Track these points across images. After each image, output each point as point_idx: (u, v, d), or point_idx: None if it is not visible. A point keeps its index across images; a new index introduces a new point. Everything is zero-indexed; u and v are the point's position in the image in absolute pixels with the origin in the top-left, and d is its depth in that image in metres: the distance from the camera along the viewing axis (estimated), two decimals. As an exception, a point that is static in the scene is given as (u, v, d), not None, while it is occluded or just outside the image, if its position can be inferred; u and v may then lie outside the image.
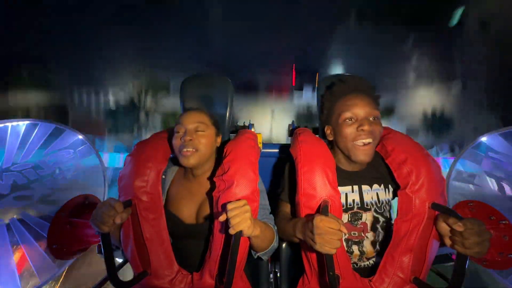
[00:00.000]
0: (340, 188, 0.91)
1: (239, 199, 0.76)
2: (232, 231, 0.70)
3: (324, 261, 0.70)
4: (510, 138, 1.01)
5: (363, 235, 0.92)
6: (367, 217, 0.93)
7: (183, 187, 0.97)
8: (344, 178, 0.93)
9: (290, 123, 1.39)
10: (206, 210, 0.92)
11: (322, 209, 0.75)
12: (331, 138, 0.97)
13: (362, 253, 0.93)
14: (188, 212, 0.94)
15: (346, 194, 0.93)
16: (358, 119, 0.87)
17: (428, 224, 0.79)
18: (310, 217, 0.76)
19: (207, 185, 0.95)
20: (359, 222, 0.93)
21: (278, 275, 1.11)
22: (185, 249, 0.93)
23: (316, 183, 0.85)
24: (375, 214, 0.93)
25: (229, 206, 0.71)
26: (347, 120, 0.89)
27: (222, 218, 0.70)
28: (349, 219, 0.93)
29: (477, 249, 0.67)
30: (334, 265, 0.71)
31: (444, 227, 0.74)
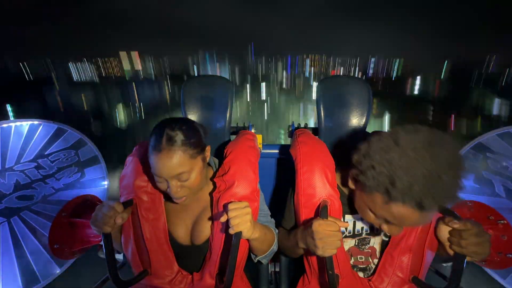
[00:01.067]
0: (347, 216, 0.87)
1: (240, 201, 0.77)
2: (231, 231, 0.71)
3: (324, 261, 0.71)
4: (507, 138, 1.02)
5: (370, 260, 0.88)
6: (375, 241, 0.87)
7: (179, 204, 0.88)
8: (351, 204, 0.85)
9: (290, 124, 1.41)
10: (202, 228, 0.88)
11: (321, 210, 0.76)
12: (352, 187, 0.75)
13: (367, 276, 0.89)
14: (182, 231, 0.90)
15: (354, 221, 0.87)
16: (391, 223, 0.67)
17: (427, 224, 0.80)
18: (308, 223, 0.76)
19: (204, 200, 0.91)
20: (367, 246, 0.88)
21: (278, 275, 1.12)
22: (182, 265, 0.89)
23: (316, 183, 0.85)
24: (384, 238, 0.87)
25: (230, 206, 0.72)
26: (377, 216, 0.68)
27: (223, 218, 0.71)
28: (356, 243, 0.88)
29: (475, 249, 0.68)
30: (334, 265, 0.71)
31: (444, 233, 0.73)
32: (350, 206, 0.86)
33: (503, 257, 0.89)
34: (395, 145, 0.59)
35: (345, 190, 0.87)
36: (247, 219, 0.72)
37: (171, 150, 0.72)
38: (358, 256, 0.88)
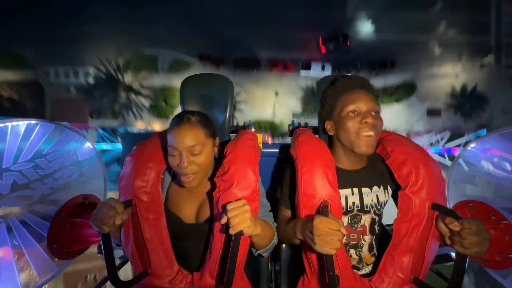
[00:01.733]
0: (340, 191, 0.90)
1: (239, 199, 0.76)
2: (232, 231, 0.70)
3: (324, 261, 0.71)
4: (509, 138, 1.01)
5: (361, 237, 0.92)
6: (366, 219, 0.93)
7: (183, 188, 0.96)
8: (344, 180, 0.93)
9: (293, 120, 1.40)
10: (206, 210, 0.91)
11: (322, 210, 0.75)
12: (332, 133, 0.97)
13: (360, 258, 0.92)
14: (188, 211, 0.93)
15: (346, 196, 0.92)
16: (361, 113, 0.88)
17: (428, 224, 0.79)
18: (310, 217, 0.76)
19: (207, 185, 0.95)
20: (359, 225, 0.92)
21: (278, 275, 1.11)
22: (185, 249, 0.92)
23: (316, 183, 0.85)
24: (373, 215, 0.93)
25: (229, 206, 0.71)
26: (350, 113, 0.89)
27: (223, 220, 0.71)
28: (349, 221, 0.92)
29: (476, 249, 0.67)
30: (334, 265, 0.71)
31: (444, 227, 0.74)
32: (343, 181, 0.92)
33: (504, 257, 0.89)
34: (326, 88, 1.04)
35: (339, 164, 0.96)
36: (246, 217, 0.71)
37: (189, 124, 0.84)
38: (351, 235, 0.93)
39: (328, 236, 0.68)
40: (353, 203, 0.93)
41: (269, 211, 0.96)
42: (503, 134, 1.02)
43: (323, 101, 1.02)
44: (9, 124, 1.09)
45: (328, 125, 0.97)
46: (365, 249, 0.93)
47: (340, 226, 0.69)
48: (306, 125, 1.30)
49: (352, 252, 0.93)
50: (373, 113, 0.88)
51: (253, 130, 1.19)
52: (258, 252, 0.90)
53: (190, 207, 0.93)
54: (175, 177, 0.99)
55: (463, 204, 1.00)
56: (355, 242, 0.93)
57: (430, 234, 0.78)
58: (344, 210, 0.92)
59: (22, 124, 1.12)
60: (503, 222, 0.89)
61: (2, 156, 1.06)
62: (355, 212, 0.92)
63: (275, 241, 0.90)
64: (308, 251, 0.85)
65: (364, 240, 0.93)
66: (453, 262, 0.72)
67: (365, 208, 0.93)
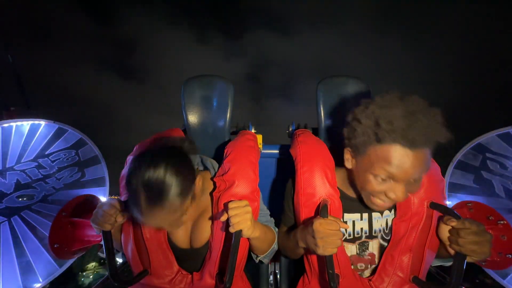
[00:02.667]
0: (347, 215, 0.87)
1: (240, 199, 0.77)
2: (231, 230, 0.71)
3: (324, 260, 0.71)
4: (507, 139, 1.02)
5: (369, 267, 0.87)
6: (373, 246, 0.86)
7: None
8: (352, 205, 0.86)
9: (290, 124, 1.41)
10: (202, 230, 0.87)
11: (321, 209, 0.76)
12: (348, 166, 0.78)
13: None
14: (181, 236, 0.89)
15: (354, 222, 0.85)
16: (394, 181, 0.67)
17: (427, 224, 0.79)
18: (308, 223, 0.76)
19: (201, 205, 0.90)
20: (366, 252, 0.86)
21: (278, 275, 1.11)
22: (182, 266, 0.89)
23: (316, 182, 0.85)
24: (381, 241, 0.85)
25: (231, 205, 0.72)
26: (379, 177, 0.68)
27: (223, 217, 0.71)
28: (357, 250, 0.86)
29: (473, 248, 0.67)
30: (334, 264, 0.71)
31: (444, 233, 0.73)
32: (350, 206, 0.86)
33: (503, 257, 0.89)
34: (372, 101, 0.69)
35: (345, 190, 0.88)
36: (247, 218, 0.71)
37: (153, 211, 0.63)
38: (359, 264, 0.87)
39: (329, 237, 0.69)
40: (361, 229, 0.86)
41: (270, 216, 0.96)
42: (500, 135, 1.03)
43: (352, 127, 0.72)
44: (13, 124, 1.10)
45: (347, 155, 0.77)
46: (368, 271, 0.88)
47: (339, 225, 0.70)
48: (305, 126, 1.31)
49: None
50: (412, 180, 0.67)
51: (253, 130, 1.19)
52: (259, 258, 0.90)
53: (184, 229, 0.89)
54: None
55: (462, 205, 1.00)
56: (360, 272, 0.87)
57: (429, 233, 0.79)
58: (351, 238, 0.86)
59: (26, 124, 1.13)
60: (502, 222, 0.90)
61: (6, 155, 1.08)
62: (363, 239, 0.86)
63: (275, 246, 0.89)
64: (308, 251, 0.85)
65: (369, 268, 0.87)
66: (452, 262, 0.72)
67: (373, 234, 0.86)
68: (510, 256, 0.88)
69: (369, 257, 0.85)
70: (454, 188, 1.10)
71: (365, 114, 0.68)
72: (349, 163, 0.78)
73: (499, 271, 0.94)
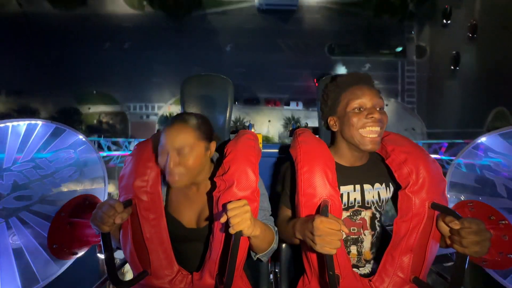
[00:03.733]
0: (342, 188, 0.91)
1: (239, 199, 0.76)
2: (232, 231, 0.70)
3: (325, 261, 0.70)
4: (509, 138, 1.02)
5: (362, 231, 0.92)
6: (366, 214, 0.93)
7: (183, 193, 0.95)
8: (346, 176, 0.93)
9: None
10: (207, 213, 0.91)
11: (322, 210, 0.75)
12: (335, 129, 0.96)
13: (359, 253, 0.92)
14: (188, 216, 0.93)
15: (348, 193, 0.93)
16: (367, 108, 0.87)
17: (428, 224, 0.79)
18: (309, 217, 0.76)
19: (207, 188, 0.94)
20: (358, 217, 0.93)
21: (278, 275, 1.11)
22: (185, 251, 0.92)
23: (316, 183, 0.85)
24: (374, 211, 0.93)
25: (229, 206, 0.71)
26: (356, 108, 0.88)
27: (223, 219, 0.70)
28: (349, 215, 0.93)
29: (475, 248, 0.67)
30: (334, 265, 0.71)
31: (444, 227, 0.74)
32: (344, 178, 0.92)
33: (504, 257, 0.89)
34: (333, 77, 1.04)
35: (338, 160, 0.96)
36: (247, 217, 0.71)
37: (181, 125, 0.83)
38: (351, 228, 0.92)
39: (328, 236, 0.68)
40: (355, 199, 0.93)
41: (270, 215, 0.96)
42: (502, 134, 1.02)
43: (325, 96, 0.99)
44: (9, 124, 1.09)
45: (331, 121, 0.96)
46: (366, 245, 0.93)
47: (340, 226, 0.69)
48: (306, 126, 1.30)
49: (353, 248, 0.92)
50: (378, 108, 0.88)
51: (253, 130, 1.19)
52: (257, 256, 0.90)
53: (190, 211, 0.93)
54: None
55: (463, 204, 1.00)
56: (356, 237, 0.93)
57: (431, 234, 0.78)
58: (345, 206, 0.92)
59: (23, 124, 1.12)
60: (503, 222, 0.89)
61: (3, 156, 1.07)
62: (356, 207, 0.93)
63: (274, 245, 0.89)
64: (308, 251, 0.85)
65: (365, 235, 0.92)
66: (453, 262, 0.72)
67: (366, 204, 0.93)
68: (511, 256, 0.88)
69: (360, 222, 0.93)
70: (455, 187, 1.10)
71: (330, 83, 0.99)
72: (334, 126, 0.96)
73: (500, 271, 0.93)
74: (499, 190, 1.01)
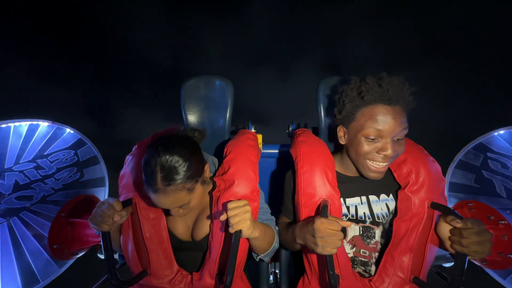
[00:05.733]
0: (348, 200, 0.89)
1: (239, 199, 0.76)
2: (231, 230, 0.70)
3: (325, 261, 0.71)
4: (508, 138, 1.02)
5: (372, 255, 0.87)
6: (377, 233, 0.87)
7: None
8: (350, 187, 0.89)
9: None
10: (203, 225, 0.89)
11: (322, 210, 0.75)
12: (343, 142, 0.88)
13: (367, 273, 0.88)
14: (183, 228, 0.91)
15: (356, 206, 0.88)
16: (382, 139, 0.77)
17: (428, 224, 0.79)
18: (308, 220, 0.76)
19: (205, 199, 0.91)
20: (373, 241, 0.86)
21: (278, 275, 1.11)
22: (183, 259, 0.91)
23: (316, 182, 0.85)
24: (383, 228, 0.87)
25: (230, 205, 0.71)
26: (370, 137, 0.78)
27: (222, 217, 0.71)
28: (360, 233, 0.87)
29: (476, 248, 0.67)
30: (334, 265, 0.71)
31: (444, 231, 0.73)
32: (349, 190, 0.89)
33: (503, 257, 0.89)
34: (353, 78, 0.84)
35: (343, 172, 0.92)
36: (247, 217, 0.71)
37: (167, 190, 0.69)
38: (362, 250, 0.87)
39: (329, 237, 0.68)
40: (364, 213, 0.88)
41: (270, 214, 0.96)
42: (501, 134, 1.02)
43: (341, 101, 0.85)
44: (11, 124, 1.10)
45: (340, 132, 0.88)
46: (373, 266, 0.88)
47: (340, 226, 0.70)
48: (306, 126, 1.31)
49: (360, 269, 0.89)
50: (396, 139, 0.77)
51: (253, 130, 1.19)
52: (259, 257, 0.89)
53: (185, 223, 0.91)
54: None
55: (463, 204, 1.00)
56: (366, 260, 0.87)
57: (430, 233, 0.78)
58: (354, 218, 0.88)
59: (24, 125, 1.13)
60: (503, 222, 0.89)
61: (5, 156, 1.07)
62: (367, 224, 0.87)
63: (276, 245, 0.89)
64: (308, 251, 0.85)
65: (375, 258, 0.87)
66: (453, 263, 0.72)
67: (376, 219, 0.87)
68: (511, 256, 0.88)
69: (374, 246, 0.86)
70: (454, 187, 1.10)
71: (349, 87, 0.83)
72: (342, 139, 0.88)
73: (500, 271, 0.93)
74: (498, 190, 1.01)
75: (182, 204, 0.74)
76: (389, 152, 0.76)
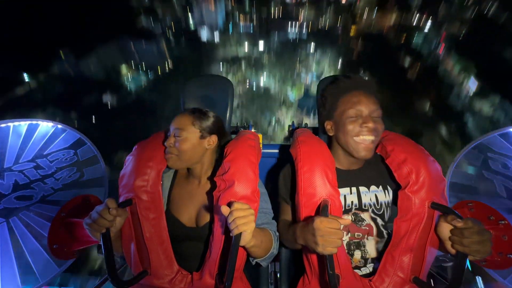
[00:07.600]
0: (340, 190, 0.90)
1: (240, 199, 0.76)
2: (236, 231, 0.68)
3: (325, 261, 0.70)
4: (508, 138, 1.02)
5: (366, 237, 0.91)
6: (366, 217, 0.91)
7: (184, 189, 0.97)
8: (342, 179, 0.93)
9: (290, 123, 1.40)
10: (207, 213, 0.91)
11: (322, 209, 0.75)
12: (331, 134, 0.97)
13: (364, 259, 0.90)
14: (188, 215, 0.93)
15: (345, 195, 0.93)
16: (362, 116, 0.88)
17: (428, 224, 0.79)
18: (308, 220, 0.76)
19: (207, 186, 0.95)
20: (363, 223, 0.91)
21: (278, 275, 1.11)
22: (185, 251, 0.92)
23: (316, 182, 0.85)
24: (372, 214, 0.91)
25: (237, 206, 0.68)
26: (351, 117, 0.89)
27: (225, 211, 0.68)
28: (353, 219, 0.92)
29: (477, 248, 0.67)
30: (335, 265, 0.71)
31: (444, 231, 0.73)
32: (340, 180, 0.92)
33: (503, 257, 0.89)
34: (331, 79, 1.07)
35: (338, 165, 0.96)
36: (250, 220, 0.70)
37: (185, 112, 0.97)
38: (356, 233, 0.91)
39: (329, 235, 0.68)
40: (352, 202, 0.93)
41: (272, 218, 0.95)
42: (501, 134, 1.02)
43: (323, 100, 1.01)
44: (11, 124, 1.09)
45: (328, 126, 0.97)
46: (369, 249, 0.91)
47: (340, 224, 0.70)
48: (306, 126, 1.31)
49: (357, 253, 0.90)
50: (374, 117, 0.88)
51: (253, 130, 1.19)
52: (256, 261, 0.88)
53: (190, 210, 0.94)
54: (179, 177, 1.00)
55: (463, 204, 1.00)
56: (357, 241, 0.91)
57: (430, 233, 0.78)
58: (344, 209, 0.91)
59: (23, 124, 1.12)
60: (503, 222, 0.89)
61: (4, 156, 1.07)
62: (353, 211, 0.92)
63: (274, 251, 0.88)
64: (308, 251, 0.84)
65: (367, 239, 0.91)
66: (452, 263, 0.72)
67: (363, 207, 0.92)
68: (511, 256, 0.88)
69: (367, 228, 0.91)
70: (455, 187, 1.10)
71: (329, 86, 1.01)
72: (331, 130, 0.98)
73: (500, 271, 0.93)
74: (498, 190, 1.01)
75: (181, 127, 0.93)
76: (370, 124, 0.86)
